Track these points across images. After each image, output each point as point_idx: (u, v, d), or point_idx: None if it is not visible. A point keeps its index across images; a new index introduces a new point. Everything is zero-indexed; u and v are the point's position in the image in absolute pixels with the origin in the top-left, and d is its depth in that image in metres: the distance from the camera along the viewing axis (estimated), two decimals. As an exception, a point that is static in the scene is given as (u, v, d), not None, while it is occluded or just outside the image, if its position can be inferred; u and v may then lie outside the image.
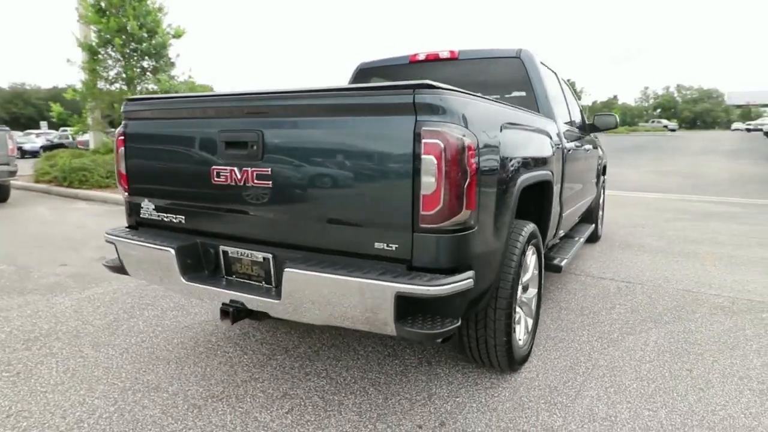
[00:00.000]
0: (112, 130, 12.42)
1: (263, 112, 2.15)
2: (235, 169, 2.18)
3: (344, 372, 2.78)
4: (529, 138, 2.71)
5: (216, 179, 2.25)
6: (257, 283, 2.29)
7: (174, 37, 12.31)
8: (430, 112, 1.78)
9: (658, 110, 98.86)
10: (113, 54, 11.91)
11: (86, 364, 2.87)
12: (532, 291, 2.89)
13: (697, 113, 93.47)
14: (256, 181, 2.14)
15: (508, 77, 3.61)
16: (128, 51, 11.78)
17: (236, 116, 2.23)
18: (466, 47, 3.86)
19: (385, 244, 1.91)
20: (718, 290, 4.17)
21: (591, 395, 2.53)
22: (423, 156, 1.78)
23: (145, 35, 11.72)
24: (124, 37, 11.53)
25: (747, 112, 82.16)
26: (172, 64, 12.49)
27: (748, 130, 51.55)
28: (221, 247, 2.37)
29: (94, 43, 11.80)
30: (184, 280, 2.34)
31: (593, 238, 5.82)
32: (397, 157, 1.83)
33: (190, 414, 2.38)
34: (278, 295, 2.09)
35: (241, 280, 2.34)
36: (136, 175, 2.60)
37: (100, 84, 12.11)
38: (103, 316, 3.61)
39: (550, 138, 3.13)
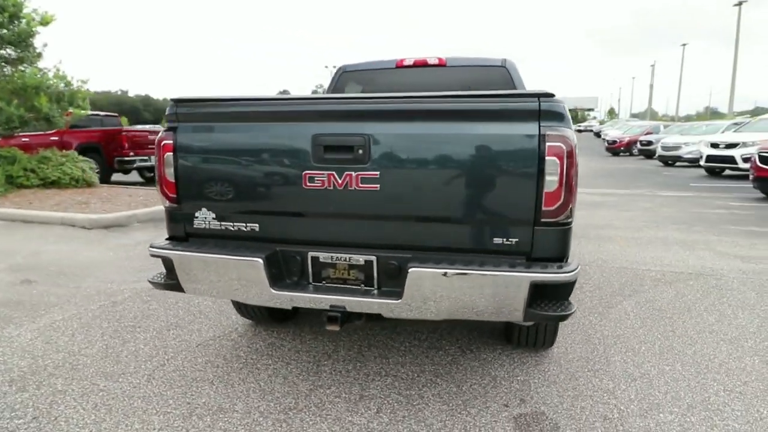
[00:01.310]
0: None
1: (372, 116, 2.16)
2: (335, 173, 2.16)
3: (401, 368, 2.86)
4: None
5: (308, 184, 2.20)
6: (354, 287, 2.29)
7: (41, 24, 10.68)
8: (552, 118, 1.99)
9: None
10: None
11: (115, 397, 2.56)
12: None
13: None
14: (360, 185, 2.14)
15: (494, 84, 3.94)
16: (-20, 37, 9.95)
17: (337, 120, 2.20)
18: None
19: (504, 239, 2.08)
20: (646, 266, 5.01)
21: (617, 360, 2.95)
22: (547, 157, 1.98)
23: (5, 19, 10.01)
24: (-25, 20, 9.72)
25: (575, 116, 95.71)
26: (39, 55, 10.83)
27: (579, 131, 60.09)
28: (310, 254, 2.31)
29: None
30: (273, 290, 2.24)
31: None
32: (521, 158, 2.01)
33: (280, 427, 2.29)
34: (396, 296, 2.13)
35: (334, 285, 2.31)
36: (191, 183, 2.40)
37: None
38: (89, 344, 3.18)
39: None
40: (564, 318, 2.05)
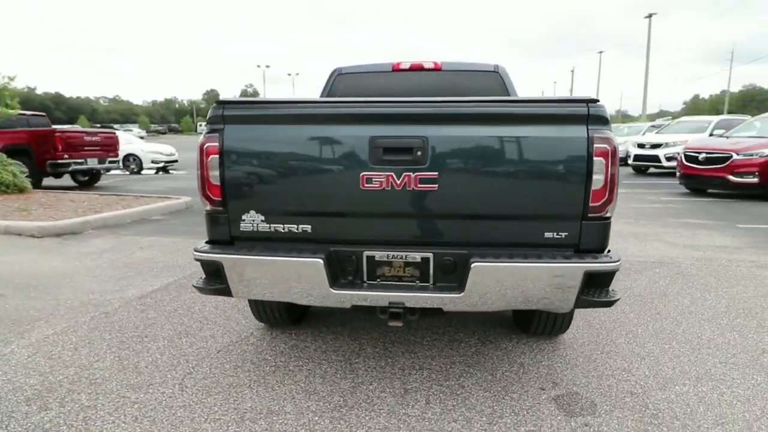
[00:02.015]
0: None
1: (430, 119, 2.25)
2: (393, 174, 2.23)
3: (432, 362, 2.97)
4: None
5: (366, 185, 2.25)
6: (410, 284, 2.36)
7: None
8: (598, 122, 2.19)
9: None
10: None
11: (153, 408, 2.47)
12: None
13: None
14: (419, 186, 2.23)
15: (488, 88, 4.15)
16: None
17: (395, 122, 2.27)
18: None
19: (555, 233, 2.25)
20: (613, 257, 5.43)
21: (622, 342, 3.23)
22: (595, 158, 2.17)
23: None
24: None
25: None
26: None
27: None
28: (365, 253, 2.36)
29: None
30: (333, 290, 2.28)
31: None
32: (571, 159, 2.19)
33: (339, 424, 2.33)
34: (457, 289, 2.24)
35: (390, 283, 2.37)
36: (238, 186, 2.36)
37: None
38: (99, 357, 3.02)
39: None
40: (612, 303, 2.26)
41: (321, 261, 2.24)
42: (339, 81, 4.26)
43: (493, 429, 2.30)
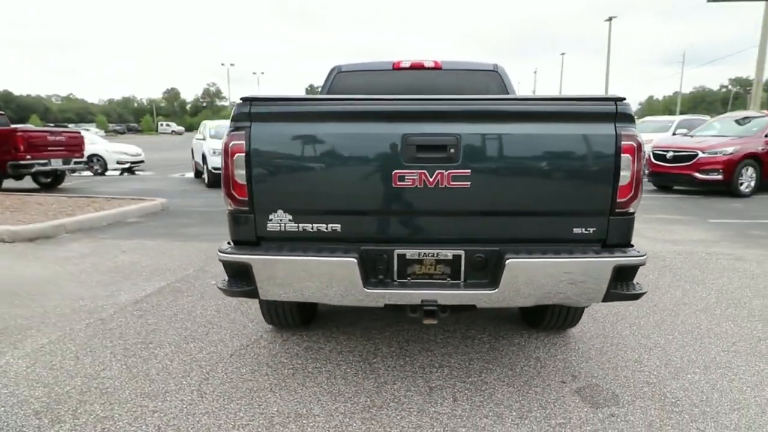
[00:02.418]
0: None
1: (463, 117, 2.25)
2: (426, 172, 2.23)
3: (450, 359, 2.98)
4: None
5: (398, 183, 2.24)
6: (441, 281, 2.36)
7: None
8: (624, 120, 2.24)
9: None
10: None
11: (175, 416, 2.38)
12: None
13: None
14: (452, 183, 2.23)
15: (488, 87, 4.19)
16: None
17: (428, 120, 2.26)
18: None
19: (584, 229, 2.30)
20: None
21: (628, 334, 3.33)
22: (622, 154, 2.23)
23: None
24: None
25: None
26: None
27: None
28: (396, 251, 2.34)
29: None
30: (366, 290, 2.25)
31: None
32: (600, 155, 2.23)
33: (372, 425, 2.30)
34: (491, 286, 2.26)
35: (421, 281, 2.37)
36: (266, 185, 2.30)
37: None
38: (105, 366, 2.89)
39: None
40: (639, 296, 2.32)
41: (355, 260, 2.21)
42: (339, 79, 4.22)
43: (524, 423, 2.32)
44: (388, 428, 2.29)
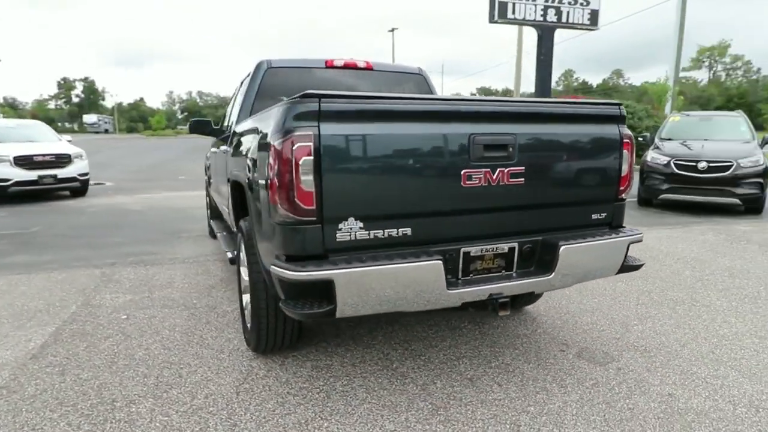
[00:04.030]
0: None
1: (517, 118, 2.38)
2: (489, 170, 2.31)
3: (458, 350, 3.09)
4: None
5: (467, 182, 2.27)
6: (497, 273, 2.46)
7: None
8: (623, 121, 2.69)
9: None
10: None
11: (211, 409, 1.99)
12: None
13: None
14: (510, 180, 2.36)
15: (415, 88, 4.37)
16: None
17: (490, 121, 2.32)
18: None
19: (599, 214, 2.68)
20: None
21: (638, 328, 3.93)
22: (623, 150, 2.67)
23: None
24: None
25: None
26: None
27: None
28: (462, 249, 2.35)
29: None
30: (449, 291, 2.22)
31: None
32: (609, 151, 2.63)
33: (454, 425, 2.30)
34: (546, 272, 2.45)
35: (482, 276, 2.42)
36: (337, 191, 2.06)
37: None
38: (121, 369, 2.19)
39: None
40: (640, 266, 2.80)
41: (440, 263, 2.17)
42: (271, 74, 3.88)
43: (570, 391, 2.61)
44: (471, 423, 2.32)
